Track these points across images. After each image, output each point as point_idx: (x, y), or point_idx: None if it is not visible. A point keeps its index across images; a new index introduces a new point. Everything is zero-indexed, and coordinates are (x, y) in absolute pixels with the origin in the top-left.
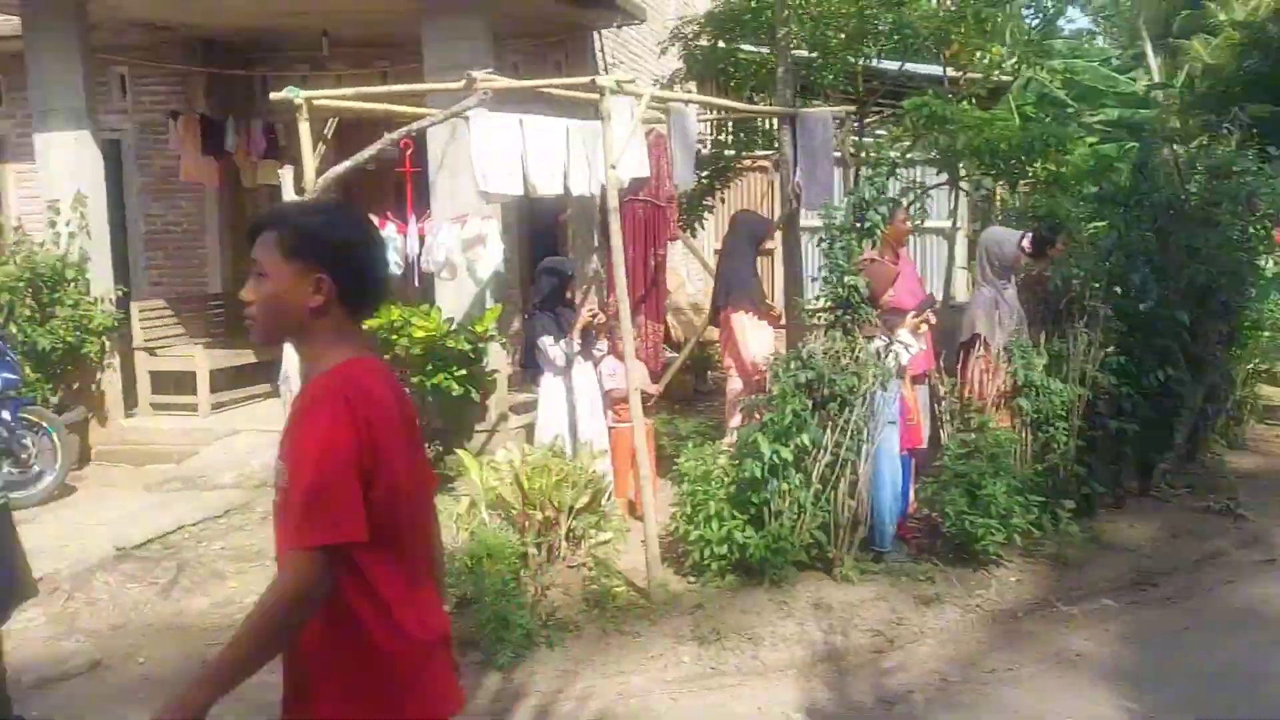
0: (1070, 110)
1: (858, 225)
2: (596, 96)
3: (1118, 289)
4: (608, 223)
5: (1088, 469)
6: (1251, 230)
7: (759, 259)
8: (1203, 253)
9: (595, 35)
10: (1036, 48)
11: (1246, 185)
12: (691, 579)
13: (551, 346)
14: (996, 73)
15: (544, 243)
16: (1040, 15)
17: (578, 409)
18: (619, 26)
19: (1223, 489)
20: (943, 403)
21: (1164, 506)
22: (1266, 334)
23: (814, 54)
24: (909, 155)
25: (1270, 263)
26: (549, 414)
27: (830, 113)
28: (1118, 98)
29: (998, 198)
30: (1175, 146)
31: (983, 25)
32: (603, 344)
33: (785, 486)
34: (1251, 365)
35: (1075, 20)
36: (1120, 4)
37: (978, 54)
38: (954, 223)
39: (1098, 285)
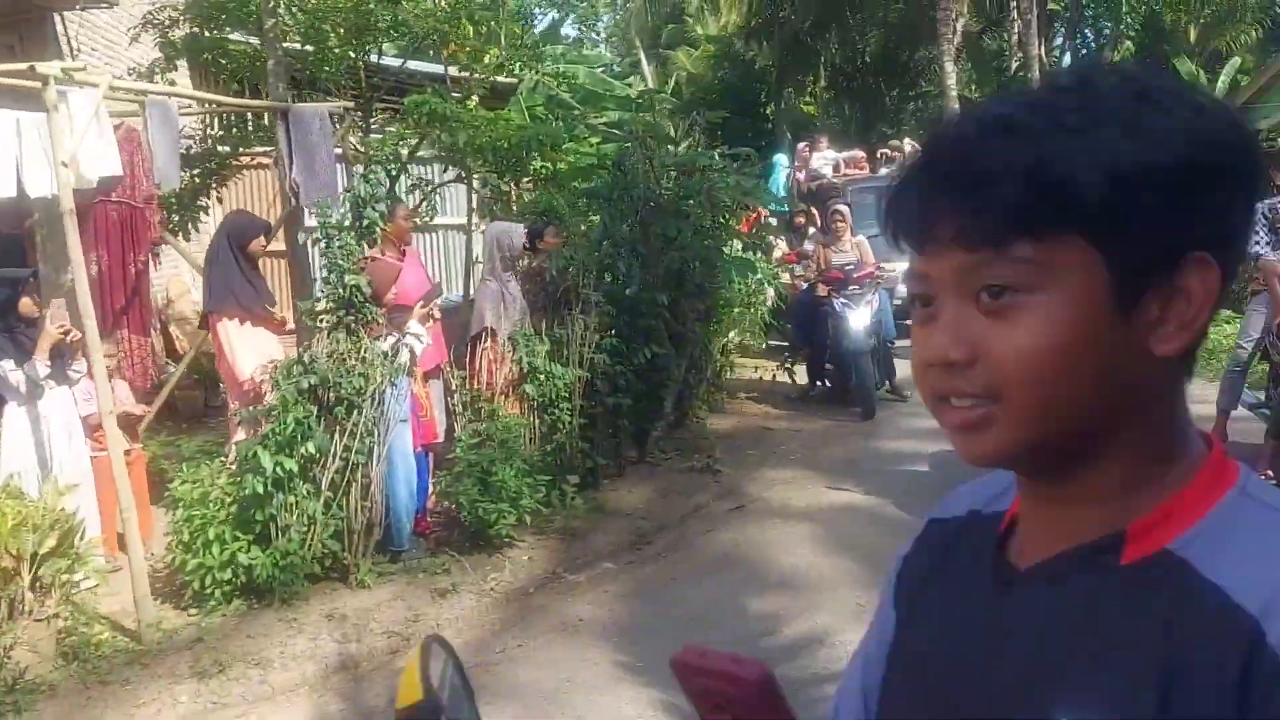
0: (576, 112)
1: (356, 223)
2: (39, 85)
3: (608, 276)
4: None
5: (591, 444)
6: (715, 220)
7: (266, 261)
8: (678, 241)
9: (56, 18)
10: (530, 52)
11: (708, 181)
12: (193, 611)
13: (12, 372)
14: (500, 74)
15: (13, 252)
16: (524, 21)
17: (53, 440)
18: (83, 9)
19: (705, 449)
20: (455, 395)
21: (657, 470)
22: (737, 310)
23: (310, 47)
24: (419, 152)
25: (735, 248)
26: (10, 449)
27: (327, 108)
28: (616, 101)
29: (512, 194)
30: (650, 145)
31: (477, 27)
32: (81, 364)
33: (292, 499)
34: (727, 338)
35: (582, 29)
36: (616, 16)
37: (480, 54)
38: (470, 219)
39: (590, 274)
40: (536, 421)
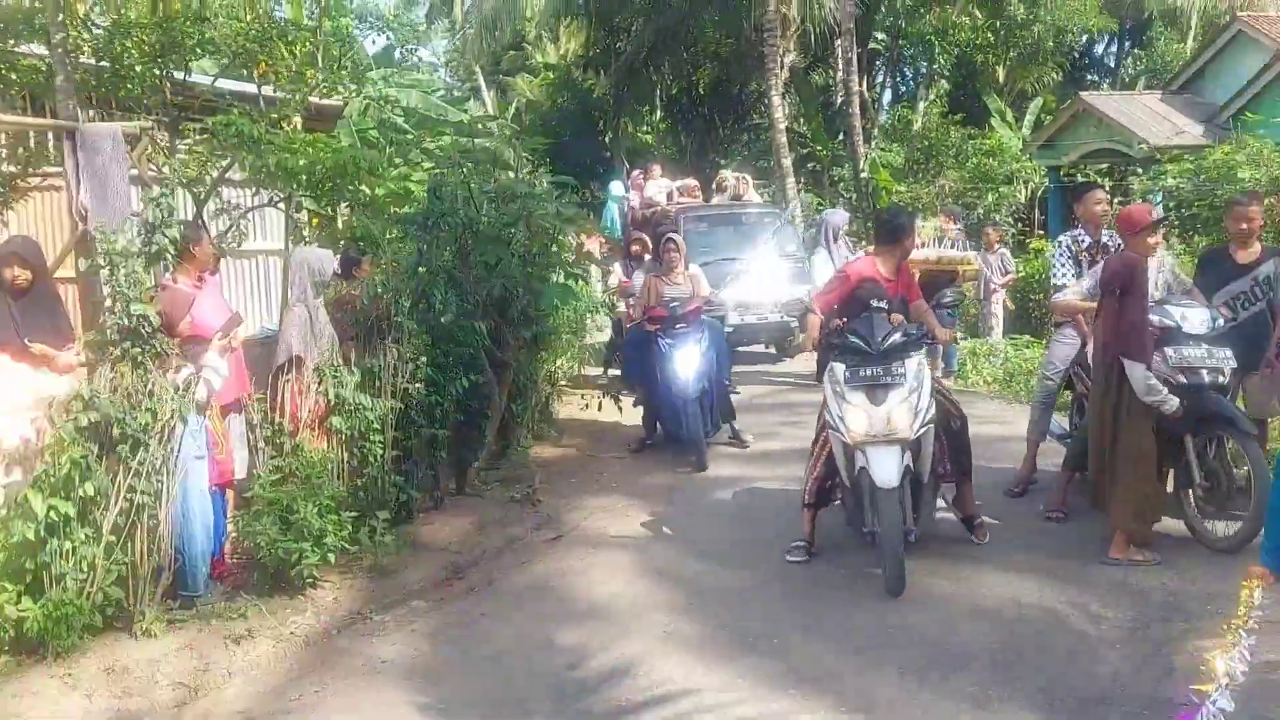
0: (411, 136)
1: (145, 249)
2: None
3: (423, 305)
4: None
5: (405, 477)
6: (541, 247)
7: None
8: (499, 268)
9: None
10: (351, 74)
11: (526, 208)
12: None
13: None
14: (319, 95)
15: None
16: (344, 43)
17: None
18: None
19: (526, 479)
20: (258, 430)
21: (478, 502)
22: (565, 337)
23: (108, 63)
24: (232, 175)
25: (560, 275)
26: None
27: (120, 128)
28: (455, 126)
29: (338, 220)
30: (468, 170)
31: (291, 48)
32: None
33: (70, 545)
34: (554, 366)
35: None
36: (455, 42)
37: (300, 76)
38: (287, 245)
39: (405, 302)
40: (345, 455)
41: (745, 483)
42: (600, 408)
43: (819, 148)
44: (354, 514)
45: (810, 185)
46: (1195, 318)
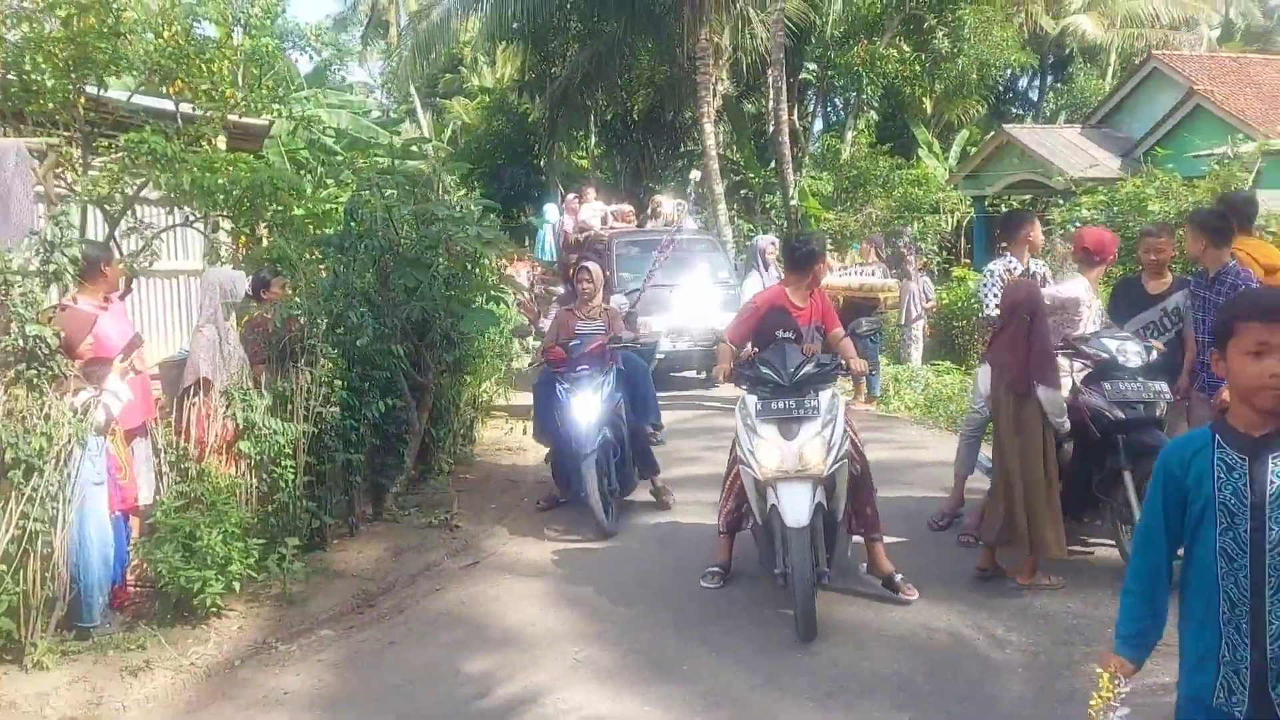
0: (341, 157)
1: (43, 269)
2: None
3: (340, 328)
4: None
5: (318, 503)
6: (464, 270)
7: None
8: (419, 291)
9: None
10: (272, 93)
11: (446, 231)
12: None
13: None
14: (239, 113)
15: None
16: (265, 61)
17: None
18: None
19: (445, 504)
20: (164, 454)
21: (395, 528)
22: (488, 361)
23: (15, 77)
24: (145, 194)
25: (483, 299)
26: None
27: (24, 143)
28: (386, 148)
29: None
30: (387, 194)
31: (209, 65)
32: None
33: None
34: (477, 390)
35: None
36: (391, 64)
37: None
38: (205, 265)
39: (321, 324)
40: (255, 481)
41: (666, 511)
42: (525, 431)
43: (751, 175)
44: (262, 541)
45: (743, 212)
46: (1131, 350)
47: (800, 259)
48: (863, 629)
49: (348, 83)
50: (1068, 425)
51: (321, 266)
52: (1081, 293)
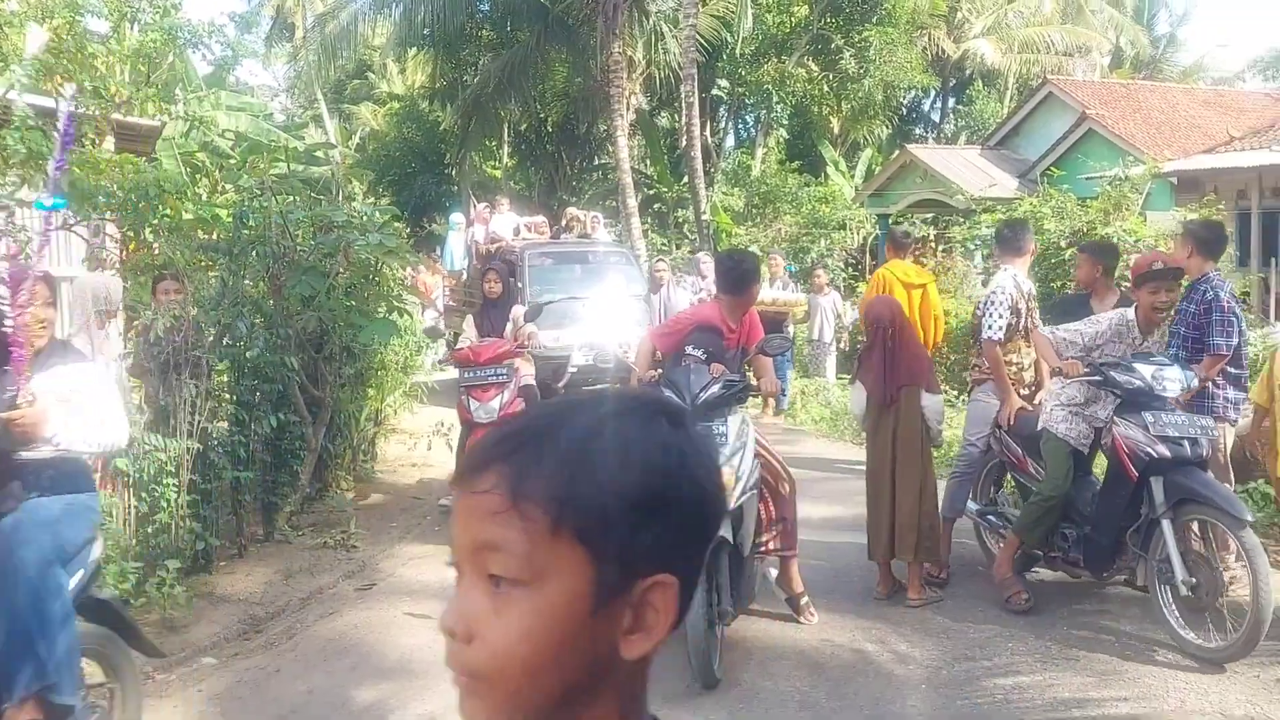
0: (236, 161)
1: None
2: None
3: (228, 338)
4: None
5: (203, 524)
6: (365, 279)
7: None
8: (316, 301)
9: None
10: (161, 93)
11: (345, 238)
12: None
13: None
14: (124, 113)
15: None
16: (151, 60)
17: None
18: None
19: (342, 523)
20: None
21: (287, 548)
22: (394, 374)
23: None
24: (17, 195)
25: (385, 309)
26: None
27: None
28: (293, 154)
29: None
30: (279, 199)
31: (91, 61)
32: None
33: None
34: (380, 404)
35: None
36: (297, 67)
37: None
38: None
39: (208, 335)
40: (133, 500)
41: None
42: (430, 447)
43: (664, 189)
44: (140, 564)
45: (656, 226)
46: (1170, 378)
47: (737, 277)
48: (768, 648)
49: (249, 85)
50: (944, 435)
51: (212, 274)
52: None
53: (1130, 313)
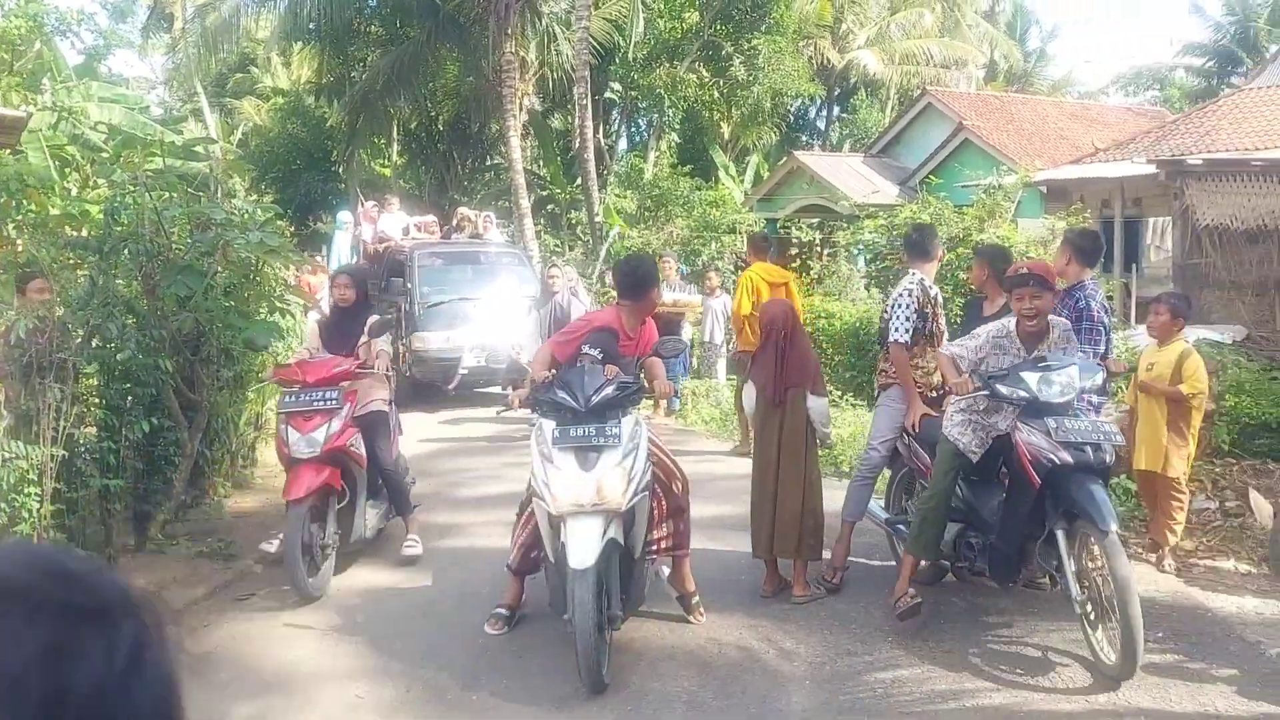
0: (108, 155)
1: None
2: None
3: (96, 340)
4: None
5: (69, 534)
6: (245, 279)
7: None
8: (193, 301)
9: None
10: (21, 80)
11: (223, 236)
12: None
13: None
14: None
15: None
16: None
17: None
18: None
19: (220, 531)
20: None
21: (161, 559)
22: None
23: None
24: None
25: (266, 309)
26: None
27: None
28: (168, 148)
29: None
30: (152, 195)
31: None
32: None
33: None
34: (261, 408)
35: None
36: (176, 59)
37: None
38: None
39: (76, 336)
40: None
41: (459, 532)
42: None
43: (558, 191)
44: None
45: (549, 227)
46: (1061, 382)
47: (633, 284)
48: (656, 648)
49: (124, 77)
50: (831, 436)
51: (81, 272)
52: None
53: (1010, 322)
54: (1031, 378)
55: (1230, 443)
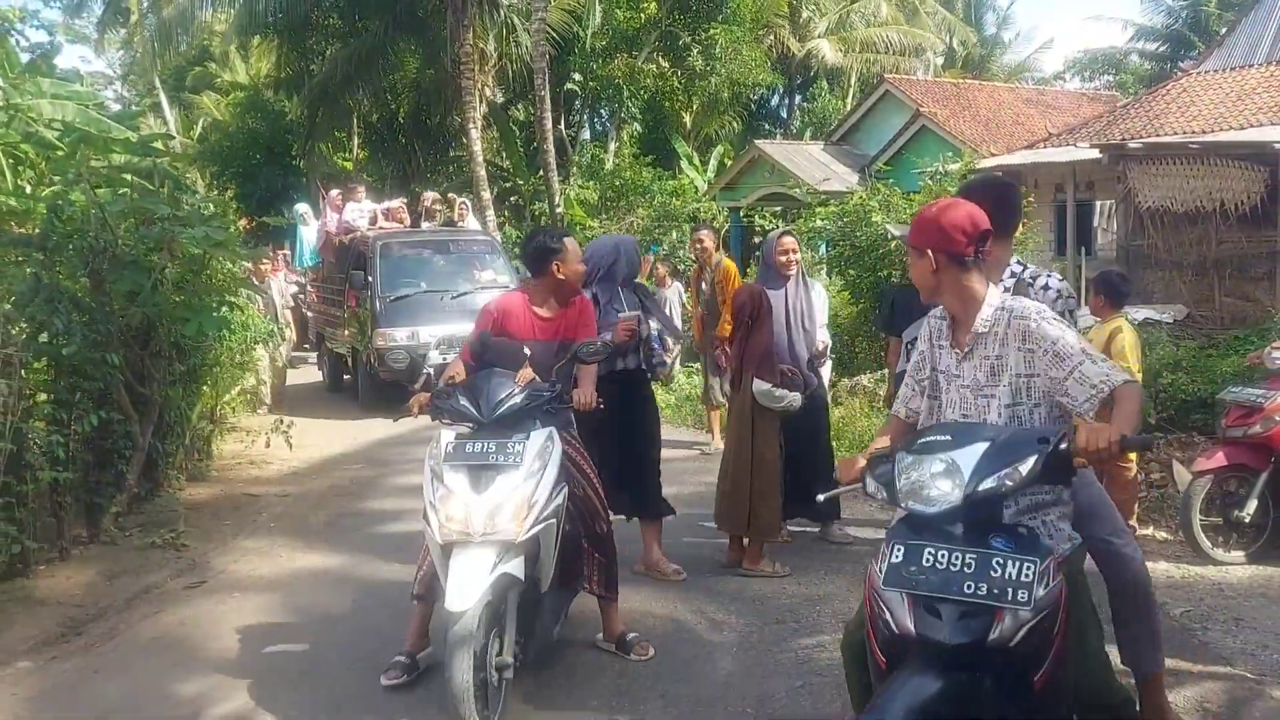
0: (62, 152)
1: None
2: None
3: (43, 335)
4: None
5: (19, 526)
6: (194, 273)
7: None
8: (141, 295)
9: None
10: None
11: (168, 231)
12: None
13: None
14: None
15: None
16: None
17: None
18: None
19: (172, 522)
20: None
21: (112, 549)
22: (228, 369)
23: None
24: None
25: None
26: None
27: None
28: (124, 144)
29: None
30: (97, 192)
31: None
32: None
33: None
34: (214, 402)
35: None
36: (136, 55)
37: None
38: None
39: (22, 331)
40: None
41: (411, 516)
42: (268, 444)
43: (520, 182)
44: None
45: (512, 218)
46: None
47: (536, 255)
48: (583, 617)
49: (79, 73)
50: (796, 402)
51: (29, 269)
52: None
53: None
54: (904, 462)
55: (1166, 417)
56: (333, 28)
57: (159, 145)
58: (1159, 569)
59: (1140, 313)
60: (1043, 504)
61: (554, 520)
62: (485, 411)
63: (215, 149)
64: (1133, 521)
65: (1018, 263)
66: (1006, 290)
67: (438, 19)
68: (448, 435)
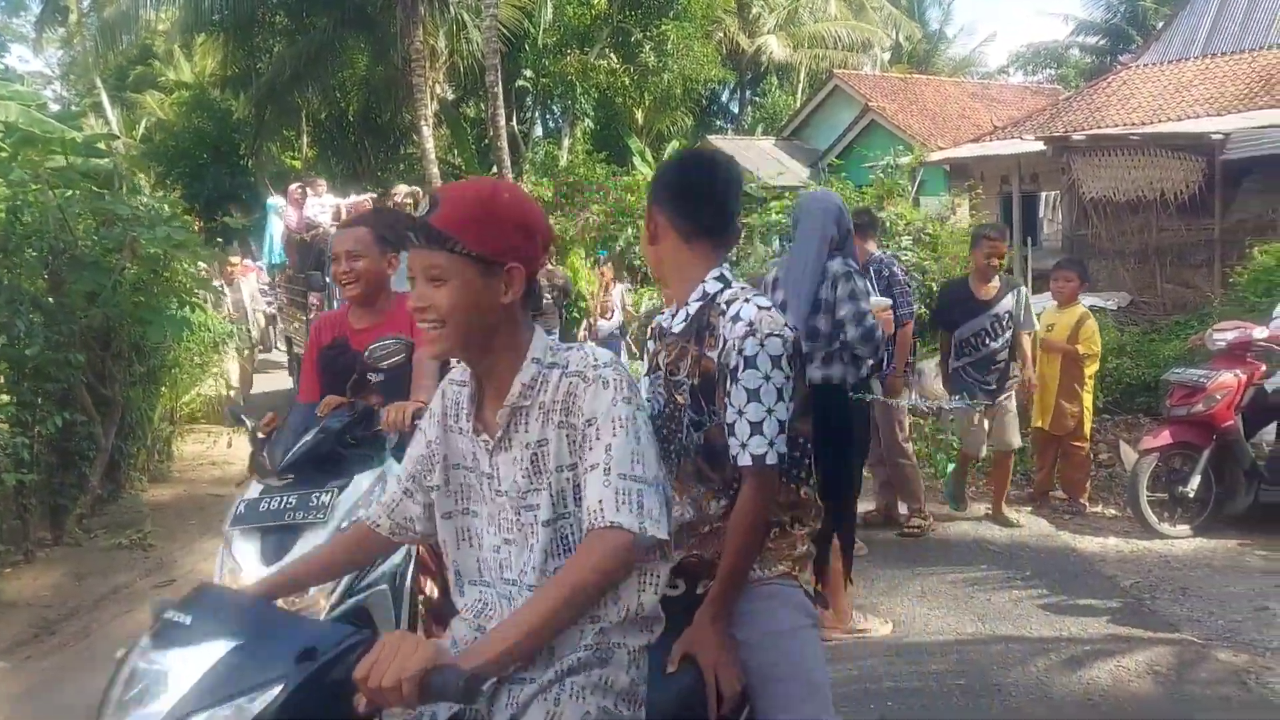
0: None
1: None
2: None
3: (2, 338)
4: None
5: None
6: (154, 274)
7: None
8: (101, 296)
9: None
10: None
11: (128, 232)
12: None
13: None
14: None
15: None
16: None
17: None
18: None
19: (137, 523)
20: None
21: (78, 551)
22: (188, 370)
23: None
24: None
25: (181, 305)
26: None
27: None
28: (69, 145)
29: None
30: (57, 192)
31: None
32: None
33: None
34: (175, 402)
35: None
36: (76, 54)
37: None
38: None
39: None
40: None
41: None
42: (230, 444)
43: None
44: None
45: None
46: None
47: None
48: None
49: (18, 73)
50: None
51: None
52: None
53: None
54: None
55: (1112, 400)
56: (280, 25)
57: (102, 146)
58: (1109, 544)
59: (1086, 300)
60: None
61: (384, 587)
62: (271, 463)
63: (160, 149)
64: (1084, 499)
65: (719, 277)
66: (688, 317)
67: (387, 16)
68: (254, 489)
